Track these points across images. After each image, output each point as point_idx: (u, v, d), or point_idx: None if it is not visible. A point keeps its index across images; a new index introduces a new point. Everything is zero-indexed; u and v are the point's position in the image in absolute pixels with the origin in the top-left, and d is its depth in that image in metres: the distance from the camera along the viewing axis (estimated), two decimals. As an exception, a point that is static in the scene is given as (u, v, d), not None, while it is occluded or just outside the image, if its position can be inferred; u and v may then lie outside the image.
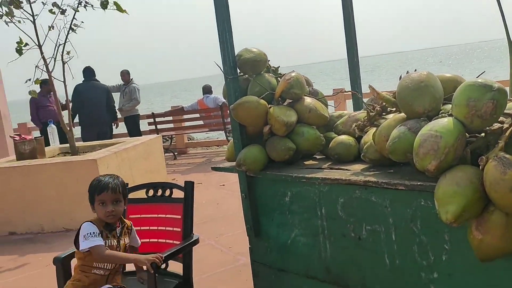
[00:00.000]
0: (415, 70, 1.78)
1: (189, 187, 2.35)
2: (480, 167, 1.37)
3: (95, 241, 1.95)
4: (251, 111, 2.16)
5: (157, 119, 8.75)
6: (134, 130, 8.46)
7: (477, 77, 1.56)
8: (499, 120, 1.47)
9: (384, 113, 1.98)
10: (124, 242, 2.09)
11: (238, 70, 2.29)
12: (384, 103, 1.94)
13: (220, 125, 8.52)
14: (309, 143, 2.17)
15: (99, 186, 2.04)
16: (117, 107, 8.22)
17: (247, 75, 2.32)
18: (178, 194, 2.42)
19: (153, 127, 8.77)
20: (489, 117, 1.40)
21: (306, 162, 2.28)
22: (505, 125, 1.44)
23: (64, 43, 5.14)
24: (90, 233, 1.97)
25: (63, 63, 5.22)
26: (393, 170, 1.85)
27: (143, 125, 9.18)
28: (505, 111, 1.47)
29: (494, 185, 1.29)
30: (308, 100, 2.23)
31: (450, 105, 1.58)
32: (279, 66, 2.43)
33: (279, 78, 2.35)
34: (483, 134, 1.50)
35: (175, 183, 2.48)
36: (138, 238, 2.22)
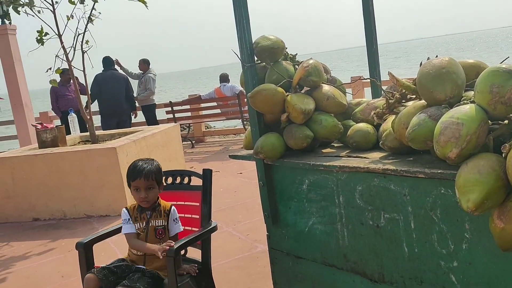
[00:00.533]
0: (436, 56, 1.75)
1: (207, 175, 2.37)
2: (503, 155, 1.34)
3: (126, 228, 2.18)
4: (268, 99, 2.15)
5: (175, 108, 8.81)
6: (150, 119, 8.55)
7: (501, 63, 1.52)
8: (524, 106, 1.43)
9: (403, 101, 1.95)
10: (155, 224, 2.18)
11: (256, 58, 2.28)
12: (403, 90, 1.91)
13: (237, 114, 8.53)
14: (327, 131, 2.15)
15: (134, 172, 2.17)
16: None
17: (264, 63, 2.31)
18: (196, 182, 2.44)
19: (171, 115, 8.83)
20: (514, 103, 1.37)
21: (324, 150, 2.27)
22: (530, 112, 1.41)
23: (84, 33, 5.20)
24: (124, 219, 2.20)
25: (83, 53, 5.28)
26: (412, 158, 1.83)
27: (162, 113, 9.26)
28: (530, 98, 1.43)
29: (517, 173, 1.26)
30: (326, 87, 2.21)
31: (473, 92, 1.54)
32: (296, 54, 2.41)
33: (296, 66, 2.33)
34: (506, 121, 1.46)
35: (193, 171, 2.51)
36: (177, 225, 2.26)
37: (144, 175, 2.14)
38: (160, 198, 2.26)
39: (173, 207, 2.26)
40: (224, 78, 8.91)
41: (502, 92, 1.37)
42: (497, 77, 1.38)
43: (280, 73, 2.23)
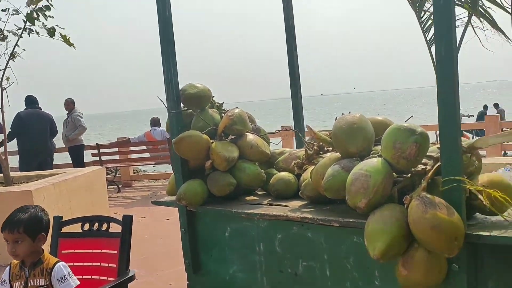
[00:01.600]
0: (349, 112, 1.89)
1: (127, 221, 2.29)
2: (405, 206, 1.45)
3: None
4: (193, 145, 2.17)
5: (102, 151, 8.51)
6: (77, 161, 8.16)
7: (405, 121, 1.68)
8: (422, 161, 1.57)
9: (321, 152, 2.05)
10: (35, 284, 1.91)
11: (182, 105, 2.31)
12: (321, 143, 2.02)
13: (167, 158, 8.40)
14: (250, 178, 2.20)
15: (3, 223, 1.93)
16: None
17: (191, 110, 2.35)
18: (116, 228, 2.35)
19: (97, 158, 8.50)
20: (413, 158, 1.50)
21: (247, 198, 2.30)
22: (428, 167, 1.55)
23: (4, 69, 4.96)
24: (1, 279, 1.96)
25: (2, 90, 5.01)
26: (329, 207, 1.91)
27: (87, 156, 8.88)
28: (428, 154, 1.58)
29: (416, 223, 1.37)
30: (250, 136, 2.28)
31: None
32: (223, 102, 2.48)
33: (223, 114, 2.39)
34: (409, 175, 1.60)
35: (113, 217, 2.42)
36: (65, 284, 1.93)
37: (8, 227, 1.89)
38: (45, 252, 1.99)
39: (58, 264, 1.95)
40: (155, 122, 8.82)
41: (403, 148, 1.50)
42: (399, 134, 1.52)
43: (206, 121, 2.27)
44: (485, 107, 16.48)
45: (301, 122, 3.03)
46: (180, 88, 2.28)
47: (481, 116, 14.07)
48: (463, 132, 14.44)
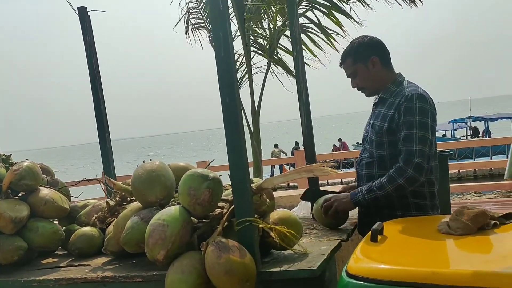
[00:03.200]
0: (150, 160, 1.84)
1: None
2: (202, 253, 1.45)
3: None
4: (-34, 208, 1.83)
5: None
6: None
7: (207, 166, 1.70)
8: (220, 205, 1.61)
9: (125, 203, 1.95)
10: None
11: (-46, 160, 1.95)
12: (123, 193, 1.91)
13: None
14: (45, 239, 1.95)
15: None
16: None
17: (-34, 166, 1.99)
18: None
19: None
20: (208, 204, 1.52)
21: (44, 261, 2.03)
22: (224, 210, 1.59)
23: None
24: None
25: None
26: (135, 261, 1.80)
27: None
28: (225, 197, 1.63)
29: (211, 269, 1.37)
30: (44, 191, 2.04)
31: (182, 194, 1.65)
32: (11, 154, 2.17)
33: (11, 167, 2.09)
34: (209, 220, 1.61)
35: None
36: None
37: None
38: None
39: None
40: None
41: (198, 194, 1.51)
42: (193, 180, 1.53)
43: (-14, 177, 1.95)
44: (296, 143, 18.58)
45: (112, 169, 2.88)
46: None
47: (293, 151, 15.73)
48: (284, 165, 15.94)
